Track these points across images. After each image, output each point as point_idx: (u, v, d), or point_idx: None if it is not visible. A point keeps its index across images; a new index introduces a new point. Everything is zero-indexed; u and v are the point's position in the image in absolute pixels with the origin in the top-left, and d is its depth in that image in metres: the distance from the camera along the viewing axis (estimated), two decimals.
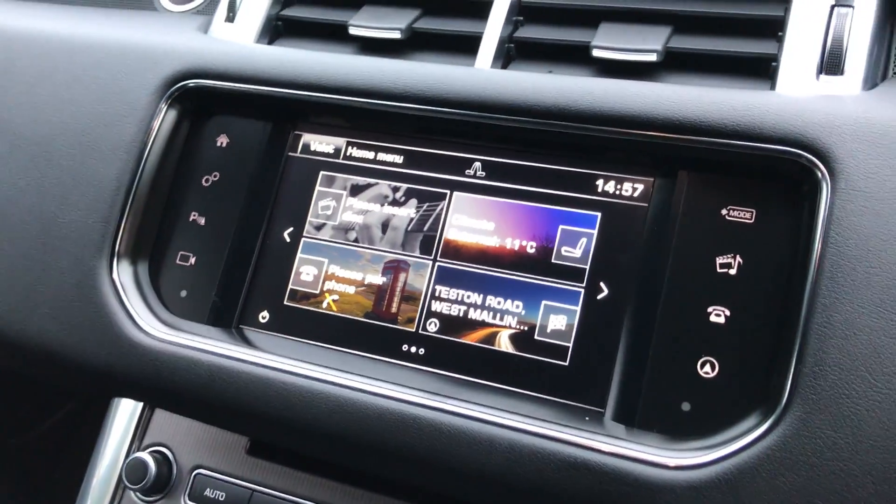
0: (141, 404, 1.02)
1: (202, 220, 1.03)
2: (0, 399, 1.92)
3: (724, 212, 0.83)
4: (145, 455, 0.96)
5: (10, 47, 1.13)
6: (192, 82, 1.02)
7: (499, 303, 0.90)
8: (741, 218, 0.82)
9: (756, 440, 0.73)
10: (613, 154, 0.89)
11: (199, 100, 1.04)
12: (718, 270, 0.82)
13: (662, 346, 0.82)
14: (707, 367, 0.80)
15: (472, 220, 0.93)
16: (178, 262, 1.02)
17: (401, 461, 0.84)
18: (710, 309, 0.81)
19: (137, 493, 0.97)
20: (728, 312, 0.81)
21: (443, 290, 0.93)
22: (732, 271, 0.82)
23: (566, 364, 0.86)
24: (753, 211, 0.82)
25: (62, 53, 1.10)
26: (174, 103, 1.03)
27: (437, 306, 0.93)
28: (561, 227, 0.90)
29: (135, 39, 1.08)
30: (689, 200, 0.85)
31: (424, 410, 0.83)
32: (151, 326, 0.96)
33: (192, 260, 1.02)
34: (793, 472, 0.71)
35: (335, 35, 1.08)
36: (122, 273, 0.99)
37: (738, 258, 0.82)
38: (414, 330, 0.93)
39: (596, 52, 0.94)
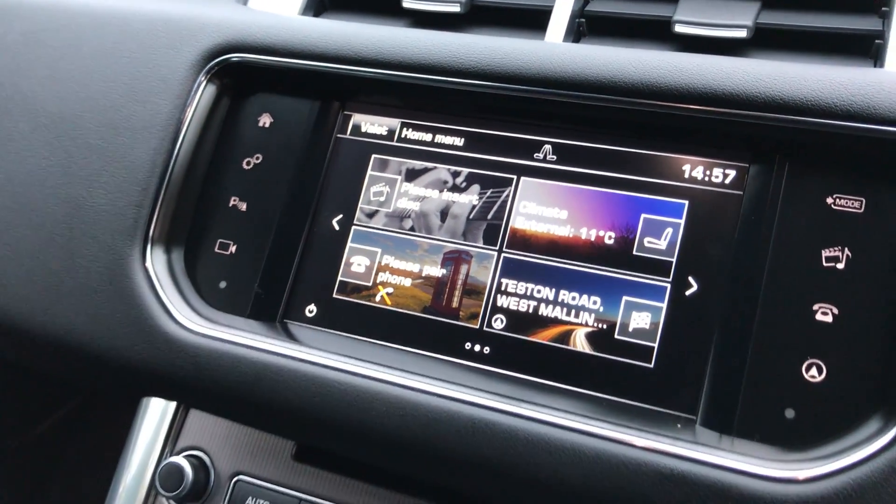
0: (173, 405, 0.93)
1: (243, 206, 0.95)
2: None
3: (829, 200, 0.76)
4: (181, 459, 0.87)
5: (34, 19, 1.05)
6: (234, 56, 0.94)
7: (573, 298, 0.83)
8: (849, 207, 0.75)
9: (882, 450, 0.66)
10: (704, 136, 0.81)
11: (241, 76, 0.96)
12: (825, 265, 0.75)
13: (762, 347, 0.74)
14: (813, 371, 0.73)
15: (542, 208, 0.86)
16: (216, 250, 0.94)
17: (470, 470, 0.76)
18: (815, 307, 0.74)
19: (172, 502, 0.89)
20: (836, 311, 0.73)
21: (510, 284, 0.85)
22: (840, 265, 0.74)
23: (651, 366, 0.79)
24: (863, 200, 0.75)
25: (90, 25, 1.02)
26: (213, 79, 0.95)
27: (503, 301, 0.85)
28: (643, 215, 0.82)
29: (170, 10, 1.00)
30: (789, 188, 0.77)
31: (497, 414, 0.76)
32: (188, 319, 0.88)
33: (233, 248, 0.94)
34: None
35: (387, 8, 1.01)
36: (156, 261, 0.91)
37: (847, 251, 0.74)
38: (478, 327, 0.85)
39: (678, 28, 0.87)
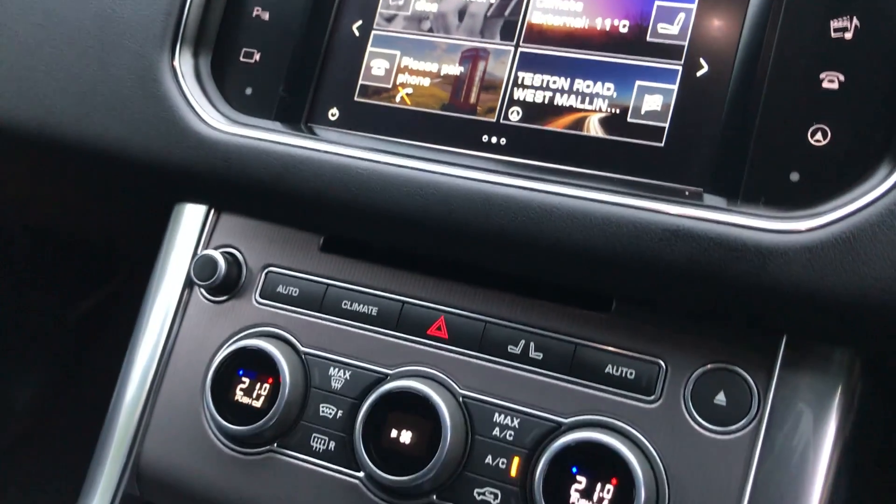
0: (203, 212, 0.98)
1: (266, 16, 0.97)
2: (40, 279, 1.92)
3: None
4: (214, 252, 0.92)
5: None
6: None
7: (587, 86, 0.85)
8: None
9: (878, 198, 0.69)
10: None
11: None
12: (833, 36, 0.76)
13: (768, 117, 0.77)
14: (818, 136, 0.75)
15: (559, 2, 0.88)
16: (241, 59, 0.97)
17: (488, 241, 0.80)
18: (822, 75, 0.76)
19: (205, 292, 0.94)
20: (842, 78, 0.75)
21: (526, 77, 0.88)
22: (848, 35, 0.76)
23: (662, 145, 0.82)
24: None
25: None
26: None
27: (519, 94, 0.88)
28: (657, 3, 0.84)
29: None
30: None
31: (511, 189, 0.79)
32: (217, 121, 0.91)
33: (257, 57, 0.97)
34: None
35: None
36: (185, 67, 0.95)
37: (855, 20, 0.76)
38: (495, 120, 0.88)
39: None
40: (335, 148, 0.86)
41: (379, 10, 0.94)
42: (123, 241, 1.62)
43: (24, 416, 1.96)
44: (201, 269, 0.92)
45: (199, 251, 0.96)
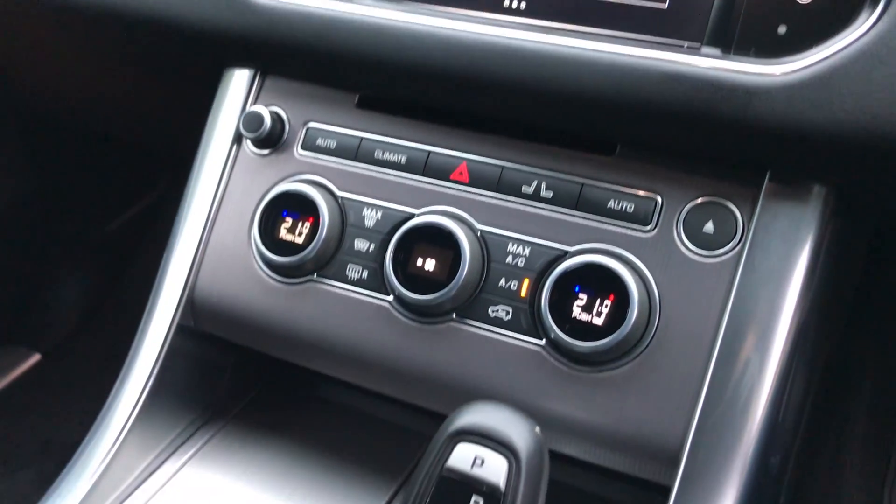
0: (249, 76, 1.08)
1: None
2: (84, 188, 2.03)
3: None
4: (261, 107, 1.03)
5: None
6: None
7: None
8: None
9: (851, 43, 0.78)
10: None
11: None
12: None
13: None
14: None
15: None
16: None
17: (507, 90, 0.90)
18: None
19: (252, 145, 1.05)
20: None
21: None
22: None
23: (665, 6, 0.90)
24: None
25: None
26: None
27: None
28: None
29: None
30: None
31: (529, 42, 0.89)
32: None
33: None
34: (887, 65, 0.76)
35: None
36: None
37: None
38: None
39: None
40: (370, 10, 0.96)
41: None
42: (168, 134, 1.72)
43: (69, 316, 2.09)
44: (249, 122, 1.03)
45: (246, 109, 1.06)
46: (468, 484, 0.66)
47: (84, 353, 1.99)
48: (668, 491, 0.84)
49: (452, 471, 0.67)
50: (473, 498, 0.66)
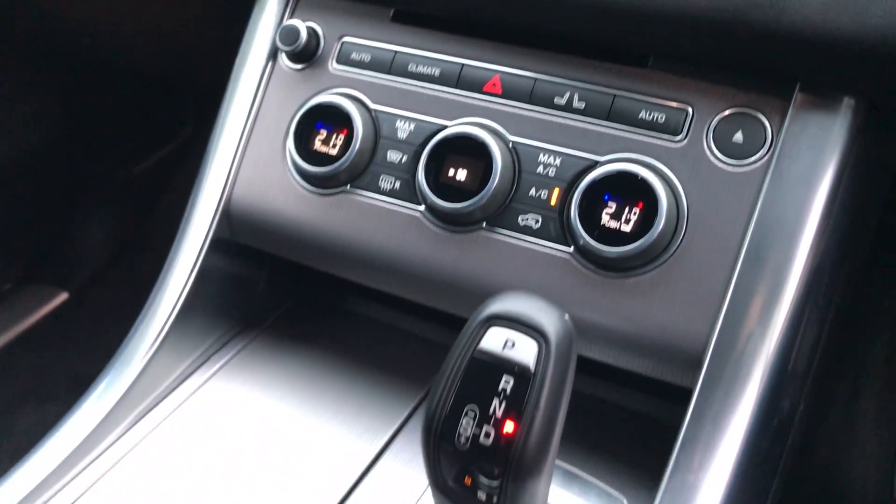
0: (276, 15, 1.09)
1: None
2: (112, 131, 2.06)
3: None
4: (297, 21, 1.05)
5: None
6: None
7: None
8: None
9: None
10: None
11: None
12: None
13: None
14: None
15: None
16: None
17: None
18: None
19: (287, 59, 1.07)
20: None
21: None
22: None
23: None
24: None
25: None
26: None
27: None
28: None
29: None
30: None
31: None
32: None
33: None
34: None
35: None
36: None
37: None
38: None
39: None
40: None
41: None
42: (198, 65, 1.73)
43: (96, 256, 2.13)
44: (286, 35, 1.04)
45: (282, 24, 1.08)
46: (499, 365, 0.68)
47: (111, 291, 2.02)
48: (689, 394, 0.86)
49: (484, 352, 0.69)
50: (504, 377, 0.68)
